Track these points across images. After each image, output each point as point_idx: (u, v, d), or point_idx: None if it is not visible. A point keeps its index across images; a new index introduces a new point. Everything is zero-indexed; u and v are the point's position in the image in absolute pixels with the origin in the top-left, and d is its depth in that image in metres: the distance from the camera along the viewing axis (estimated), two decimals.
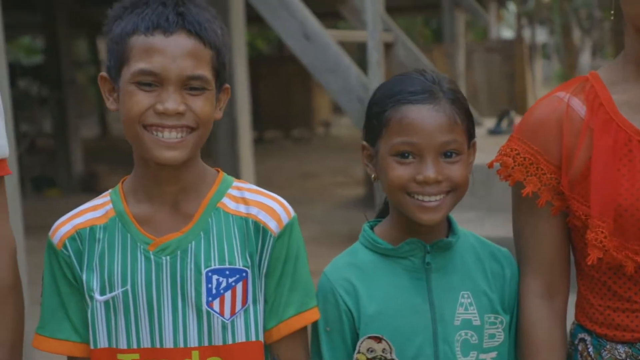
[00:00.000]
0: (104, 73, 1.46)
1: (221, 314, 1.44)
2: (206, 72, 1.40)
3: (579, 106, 1.49)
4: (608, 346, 1.50)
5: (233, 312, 1.45)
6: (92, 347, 1.46)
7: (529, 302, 1.54)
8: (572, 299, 1.57)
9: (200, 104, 1.40)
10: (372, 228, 1.61)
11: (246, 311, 1.46)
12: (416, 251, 1.54)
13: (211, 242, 1.45)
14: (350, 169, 11.22)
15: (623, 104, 1.47)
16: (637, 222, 1.41)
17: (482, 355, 1.52)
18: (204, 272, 1.44)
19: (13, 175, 3.24)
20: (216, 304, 1.44)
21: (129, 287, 1.44)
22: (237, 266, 1.45)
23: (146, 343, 1.44)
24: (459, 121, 1.49)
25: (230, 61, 5.59)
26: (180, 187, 1.46)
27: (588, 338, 1.53)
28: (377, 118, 1.53)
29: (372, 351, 1.50)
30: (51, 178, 10.27)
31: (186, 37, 1.39)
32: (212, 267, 1.44)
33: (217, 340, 1.44)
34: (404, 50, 5.01)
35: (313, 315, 1.50)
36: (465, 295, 1.54)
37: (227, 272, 1.45)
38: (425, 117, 1.47)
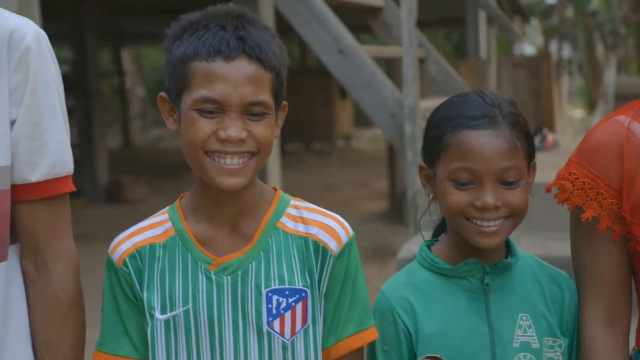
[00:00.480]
0: (163, 94, 1.47)
1: (281, 334, 1.44)
2: (267, 96, 1.41)
3: None
4: None
5: (293, 332, 1.45)
6: None
7: (589, 328, 1.52)
8: (633, 326, 1.56)
9: (262, 129, 1.41)
10: (428, 247, 1.61)
11: (306, 331, 1.46)
12: (475, 272, 1.53)
13: (271, 262, 1.46)
14: (372, 183, 11.21)
15: None
16: None
17: None
18: (264, 292, 1.44)
19: None
20: (276, 324, 1.44)
21: (190, 306, 1.44)
22: (296, 286, 1.45)
23: None
24: (519, 146, 1.48)
25: None
26: (239, 207, 1.47)
27: None
28: (435, 141, 1.52)
29: None
30: (76, 188, 10.32)
31: (247, 63, 1.39)
32: (272, 287, 1.45)
33: None
34: (435, 66, 5.01)
35: (372, 334, 1.50)
36: (524, 318, 1.53)
37: (287, 292, 1.45)
38: (485, 143, 1.46)
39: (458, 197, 1.48)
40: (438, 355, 1.50)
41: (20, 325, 1.46)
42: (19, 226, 1.45)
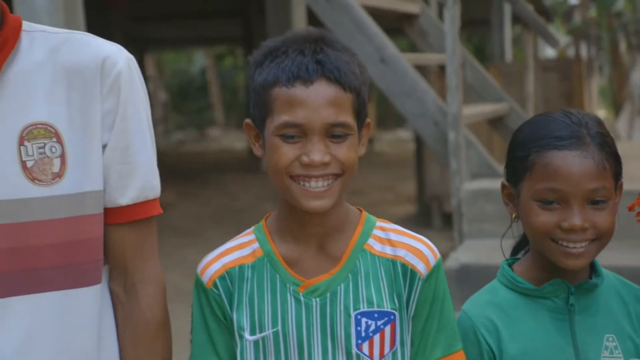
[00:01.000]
0: (249, 121, 1.49)
1: (370, 356, 1.44)
2: (348, 117, 1.41)
3: None
4: None
5: (382, 355, 1.45)
6: None
7: None
8: None
9: (345, 151, 1.41)
10: (510, 266, 1.61)
11: (394, 354, 1.46)
12: (559, 292, 1.52)
13: (359, 284, 1.46)
14: (398, 187, 11.19)
15: None
16: None
17: None
18: (353, 314, 1.44)
19: None
20: (365, 347, 1.44)
21: (279, 328, 1.45)
22: (385, 309, 1.45)
23: None
24: (607, 166, 1.47)
25: None
26: (326, 228, 1.47)
27: None
28: (520, 161, 1.52)
29: None
30: None
31: (326, 85, 1.40)
32: (361, 309, 1.45)
33: None
34: (472, 71, 5.00)
35: (460, 357, 1.50)
36: (610, 339, 1.52)
37: (376, 315, 1.45)
38: (572, 165, 1.45)
39: (544, 218, 1.48)
40: None
41: (111, 347, 1.47)
42: (107, 249, 1.46)
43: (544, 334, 1.51)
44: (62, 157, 1.38)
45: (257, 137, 1.48)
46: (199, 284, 1.50)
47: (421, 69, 6.90)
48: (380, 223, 1.52)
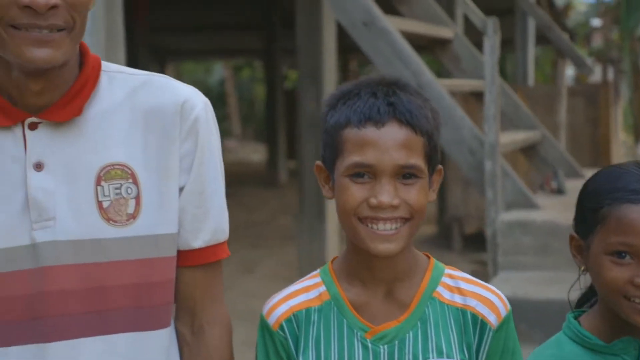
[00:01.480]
0: (319, 163, 1.49)
1: None
2: (418, 160, 1.41)
3: None
4: None
5: None
6: None
7: None
8: None
9: (414, 195, 1.40)
10: (575, 318, 1.59)
11: None
12: (630, 349, 1.50)
13: (428, 332, 1.45)
14: None
15: None
16: None
17: None
18: None
19: None
20: None
21: None
22: (455, 359, 1.44)
23: None
24: None
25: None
26: (394, 274, 1.46)
27: None
28: (591, 213, 1.50)
29: None
30: None
31: (398, 128, 1.39)
32: (431, 358, 1.44)
33: None
34: (504, 97, 4.98)
35: None
36: None
37: None
38: None
39: (616, 274, 1.46)
40: None
41: None
42: (176, 290, 1.46)
43: None
44: (137, 198, 1.38)
45: (327, 179, 1.48)
46: (264, 325, 1.49)
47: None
48: (449, 270, 1.51)
